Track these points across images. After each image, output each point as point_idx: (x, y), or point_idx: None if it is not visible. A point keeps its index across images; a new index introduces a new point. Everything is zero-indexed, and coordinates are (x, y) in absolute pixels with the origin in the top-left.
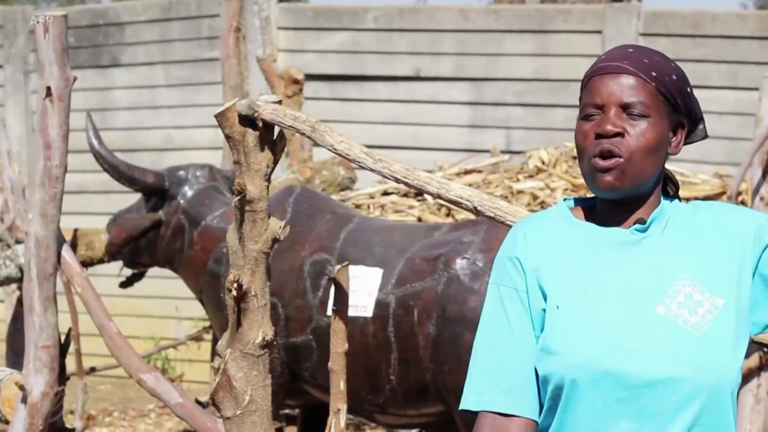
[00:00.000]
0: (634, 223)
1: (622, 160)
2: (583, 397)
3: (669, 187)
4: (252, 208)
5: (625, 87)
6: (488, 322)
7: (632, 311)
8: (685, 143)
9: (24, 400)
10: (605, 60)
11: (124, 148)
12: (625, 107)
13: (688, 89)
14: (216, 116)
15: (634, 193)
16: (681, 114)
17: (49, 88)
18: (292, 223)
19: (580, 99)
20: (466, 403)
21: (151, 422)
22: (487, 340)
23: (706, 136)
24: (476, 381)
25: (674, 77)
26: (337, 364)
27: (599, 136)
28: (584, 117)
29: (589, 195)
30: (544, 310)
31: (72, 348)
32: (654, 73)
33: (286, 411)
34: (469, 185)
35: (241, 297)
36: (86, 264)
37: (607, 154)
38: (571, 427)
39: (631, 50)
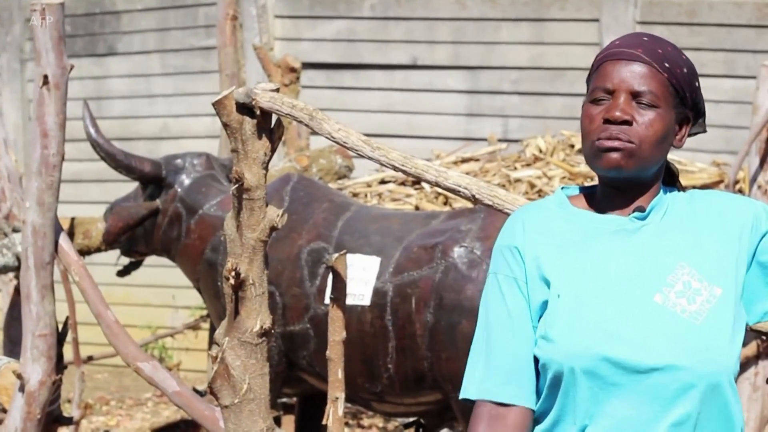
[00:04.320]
0: (633, 211)
1: (631, 145)
2: (582, 383)
3: (668, 177)
4: (250, 197)
5: (637, 75)
6: (487, 311)
7: (630, 300)
8: None
9: (21, 388)
10: (619, 46)
11: (120, 137)
12: (635, 95)
13: (696, 84)
14: (213, 104)
15: (636, 177)
16: (687, 107)
17: (46, 77)
18: (289, 212)
19: (588, 82)
20: (466, 392)
21: (149, 411)
22: (486, 329)
23: (704, 131)
24: (475, 370)
25: (685, 70)
26: (334, 352)
27: (607, 121)
28: (593, 101)
29: (587, 184)
30: (545, 300)
31: (69, 337)
32: (667, 64)
33: (284, 399)
34: (467, 174)
35: (239, 285)
36: (83, 253)
37: (614, 138)
38: (568, 413)
39: (645, 39)
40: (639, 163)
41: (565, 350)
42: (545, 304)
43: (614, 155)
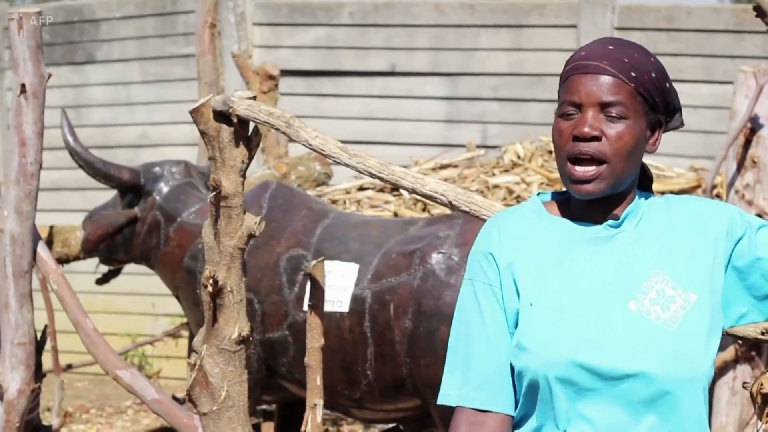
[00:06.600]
0: (607, 219)
1: (603, 167)
2: (557, 390)
3: (643, 181)
4: (227, 204)
5: (603, 88)
6: (462, 317)
7: (604, 308)
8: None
9: (0, 397)
10: (585, 57)
11: (100, 145)
12: (603, 108)
13: (667, 84)
14: (191, 112)
15: (611, 193)
16: (659, 112)
17: (23, 85)
18: (267, 219)
19: (559, 93)
20: (444, 398)
21: (129, 419)
22: (462, 336)
23: (682, 125)
24: (453, 376)
25: (653, 74)
26: (313, 359)
27: (576, 138)
28: (562, 115)
29: (564, 189)
30: (518, 308)
31: (48, 345)
32: (633, 74)
33: (263, 407)
34: (445, 180)
35: (217, 293)
36: (62, 261)
37: (583, 157)
38: (549, 418)
39: (611, 47)
40: (612, 181)
41: (539, 358)
42: (519, 310)
43: (586, 187)
